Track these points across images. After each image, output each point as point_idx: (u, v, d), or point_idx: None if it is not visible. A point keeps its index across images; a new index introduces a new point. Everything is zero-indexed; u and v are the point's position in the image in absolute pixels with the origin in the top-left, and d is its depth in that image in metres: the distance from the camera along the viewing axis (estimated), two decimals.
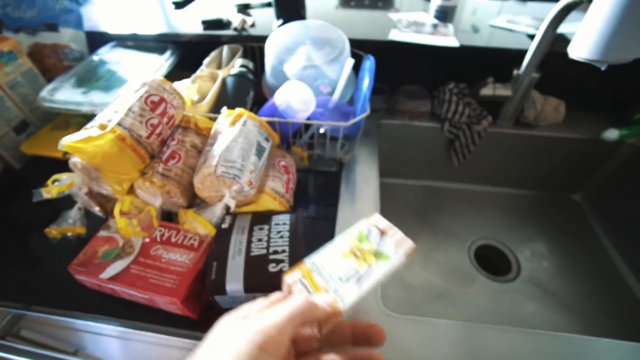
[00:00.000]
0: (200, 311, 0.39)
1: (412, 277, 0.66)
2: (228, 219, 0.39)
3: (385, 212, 0.51)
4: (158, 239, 0.41)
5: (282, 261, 0.34)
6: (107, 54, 0.69)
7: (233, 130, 0.41)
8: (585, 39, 0.39)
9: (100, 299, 0.42)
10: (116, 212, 0.37)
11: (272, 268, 0.34)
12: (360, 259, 0.28)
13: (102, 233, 0.43)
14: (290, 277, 0.27)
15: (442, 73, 0.70)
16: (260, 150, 0.42)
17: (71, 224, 0.46)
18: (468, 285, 0.64)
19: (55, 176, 0.39)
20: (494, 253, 0.70)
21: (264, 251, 0.35)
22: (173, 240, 0.41)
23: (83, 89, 0.59)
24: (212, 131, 0.43)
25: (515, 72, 0.61)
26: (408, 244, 0.30)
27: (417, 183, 0.81)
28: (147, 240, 0.40)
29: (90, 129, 0.37)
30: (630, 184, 0.67)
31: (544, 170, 0.75)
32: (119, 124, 0.37)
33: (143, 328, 0.42)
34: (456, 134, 0.69)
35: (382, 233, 0.30)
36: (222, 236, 0.37)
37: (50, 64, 0.69)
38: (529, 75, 0.59)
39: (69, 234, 0.46)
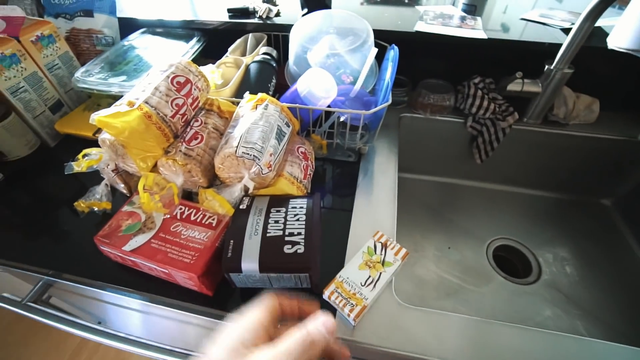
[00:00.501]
0: (215, 289, 0.40)
1: (424, 272, 0.64)
2: (246, 200, 0.40)
3: (401, 207, 0.50)
4: (178, 217, 0.42)
5: (297, 243, 0.34)
6: (136, 40, 0.71)
7: (255, 113, 0.42)
8: (626, 28, 0.37)
9: (122, 272, 0.44)
10: (140, 187, 0.39)
11: (287, 249, 0.34)
12: (372, 268, 0.39)
13: (126, 208, 0.45)
14: (329, 289, 0.37)
15: (468, 67, 0.68)
16: (280, 135, 0.42)
17: (98, 199, 0.48)
18: (483, 284, 0.63)
19: (85, 150, 0.41)
20: (514, 254, 0.68)
21: (280, 233, 0.35)
22: (192, 218, 0.42)
23: (113, 72, 0.61)
24: (234, 114, 0.44)
25: (546, 67, 0.58)
26: (403, 251, 0.41)
27: (435, 179, 0.79)
28: (168, 216, 0.42)
29: (119, 106, 0.38)
30: None
31: (571, 172, 0.71)
32: (145, 102, 0.38)
33: (162, 302, 0.43)
34: (480, 130, 0.67)
35: (384, 246, 0.41)
36: (240, 216, 0.38)
37: (84, 48, 0.72)
38: (561, 71, 0.57)
39: (96, 208, 0.48)
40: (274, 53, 0.62)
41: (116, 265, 0.44)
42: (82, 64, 0.69)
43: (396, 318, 0.38)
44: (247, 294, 0.40)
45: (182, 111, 0.41)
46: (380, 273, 0.39)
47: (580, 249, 0.68)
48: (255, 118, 0.41)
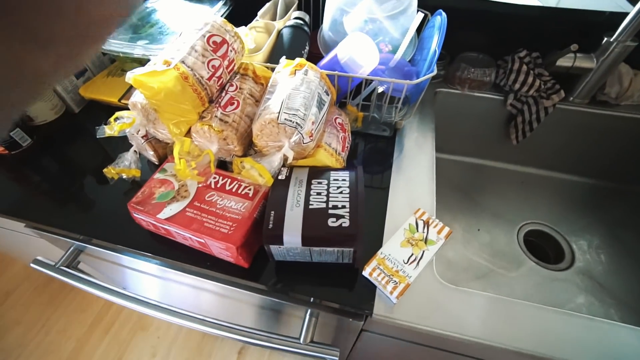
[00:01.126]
0: (251, 261, 0.39)
1: (453, 254, 0.63)
2: (284, 170, 0.38)
3: None
4: (213, 186, 0.41)
5: (342, 217, 0.33)
6: (159, 2, 0.68)
7: (294, 79, 0.39)
8: None
9: (152, 239, 0.43)
10: (175, 152, 0.37)
11: (331, 222, 0.32)
12: (415, 246, 0.38)
13: (158, 175, 0.43)
14: (370, 266, 0.36)
15: (511, 40, 0.63)
16: (320, 103, 0.40)
17: (127, 165, 0.46)
18: (514, 268, 0.61)
19: (117, 113, 0.40)
20: (546, 240, 0.66)
21: (323, 205, 0.34)
22: (228, 188, 0.40)
23: (137, 34, 0.58)
24: (271, 80, 0.41)
25: (605, 39, 0.53)
26: (446, 230, 0.40)
27: (466, 160, 0.76)
28: (202, 185, 0.40)
29: (155, 65, 0.36)
30: None
31: (613, 158, 0.67)
32: (182, 62, 0.36)
33: (194, 272, 0.43)
34: (520, 108, 0.63)
35: (426, 223, 0.41)
36: (280, 187, 0.36)
37: None
38: (622, 44, 0.52)
39: (124, 175, 0.47)
40: (307, 18, 0.58)
41: (146, 233, 0.43)
42: None
43: (437, 297, 0.37)
44: (282, 267, 0.39)
45: (218, 73, 0.39)
46: (424, 251, 0.37)
47: (617, 238, 0.65)
48: (296, 84, 0.38)
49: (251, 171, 0.36)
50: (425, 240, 0.38)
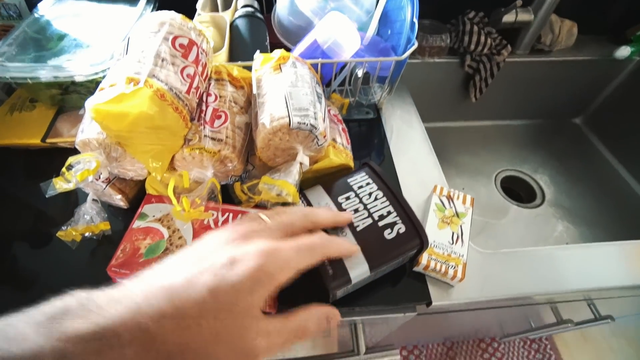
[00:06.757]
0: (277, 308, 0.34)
1: None
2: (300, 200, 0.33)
3: None
4: (213, 226, 0.34)
5: (395, 224, 0.30)
6: (55, 8, 0.54)
7: (286, 75, 0.34)
8: None
9: None
10: (170, 191, 0.30)
11: (388, 235, 0.29)
12: (451, 224, 0.37)
13: (138, 223, 0.35)
14: (424, 259, 0.34)
15: (455, 3, 0.65)
16: (319, 97, 0.35)
17: (88, 220, 0.36)
18: (502, 216, 0.66)
19: (70, 160, 0.30)
20: (517, 183, 0.73)
21: (370, 221, 0.30)
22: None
23: (45, 51, 0.45)
24: (255, 81, 0.35)
25: None
26: (469, 197, 0.40)
27: (434, 125, 0.79)
28: (198, 226, 0.33)
29: (116, 86, 0.27)
30: (632, 100, 0.71)
31: (550, 98, 0.76)
32: (152, 76, 0.28)
33: None
34: (476, 67, 0.67)
35: (449, 198, 0.40)
36: None
37: None
38: None
39: (88, 233, 0.37)
40: (256, 4, 0.51)
41: None
42: None
43: (483, 266, 0.37)
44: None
45: (195, 84, 0.31)
46: (461, 226, 0.37)
47: (567, 166, 0.74)
48: (292, 79, 0.33)
49: (273, 189, 0.31)
50: (457, 215, 0.38)
